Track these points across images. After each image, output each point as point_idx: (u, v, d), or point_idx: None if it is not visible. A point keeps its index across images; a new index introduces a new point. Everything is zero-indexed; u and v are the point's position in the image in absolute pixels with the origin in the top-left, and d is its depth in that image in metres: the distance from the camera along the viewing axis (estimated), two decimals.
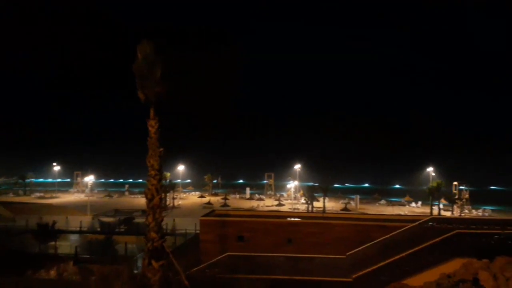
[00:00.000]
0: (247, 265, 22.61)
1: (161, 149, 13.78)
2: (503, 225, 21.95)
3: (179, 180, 76.68)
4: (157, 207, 14.17)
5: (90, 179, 73.21)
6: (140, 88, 13.31)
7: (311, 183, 71.48)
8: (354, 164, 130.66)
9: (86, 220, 45.36)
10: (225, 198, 63.86)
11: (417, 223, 22.71)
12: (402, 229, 22.54)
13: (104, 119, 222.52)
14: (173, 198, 64.03)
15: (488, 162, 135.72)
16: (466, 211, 59.35)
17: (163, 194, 15.13)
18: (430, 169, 67.07)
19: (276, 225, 32.00)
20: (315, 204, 58.88)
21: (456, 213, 57.03)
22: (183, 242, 33.34)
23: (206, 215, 33.75)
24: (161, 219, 14.48)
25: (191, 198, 74.27)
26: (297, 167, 70.28)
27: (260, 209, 57.19)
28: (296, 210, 56.37)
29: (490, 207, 63.75)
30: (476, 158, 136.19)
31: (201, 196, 72.82)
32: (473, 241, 18.57)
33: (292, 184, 66.52)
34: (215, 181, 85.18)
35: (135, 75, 13.49)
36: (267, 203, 64.06)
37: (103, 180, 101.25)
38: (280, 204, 62.41)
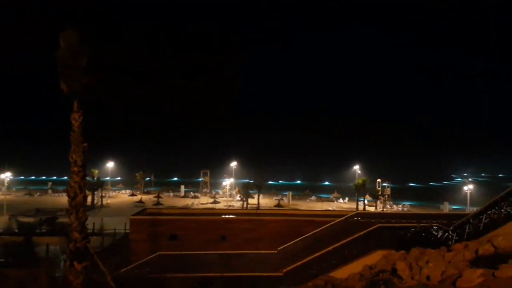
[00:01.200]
0: (178, 264, 22.27)
1: (85, 144, 12.95)
2: (419, 219, 23.90)
3: (108, 178, 73.19)
4: (80, 205, 13.32)
5: (6, 176, 67.00)
6: (63, 78, 12.39)
7: (246, 180, 72.17)
8: (288, 161, 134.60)
9: (1, 221, 41.58)
10: (158, 197, 62.20)
11: (343, 218, 23.92)
12: (330, 223, 23.56)
13: (24, 110, 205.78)
14: (102, 197, 60.99)
15: (408, 161, 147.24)
16: (388, 206, 63.72)
17: (88, 192, 14.29)
18: (356, 167, 70.98)
19: (209, 223, 31.90)
20: (250, 201, 59.60)
21: (379, 208, 61.03)
22: (111, 242, 31.84)
23: (137, 214, 32.65)
24: (84, 218, 13.62)
25: (122, 197, 71.32)
26: (233, 164, 70.54)
27: (195, 207, 56.59)
28: (231, 207, 56.55)
29: (408, 203, 69.08)
30: (397, 156, 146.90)
31: (132, 195, 70.21)
32: (393, 234, 19.96)
33: (227, 182, 66.60)
34: (148, 178, 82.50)
35: (57, 64, 12.56)
36: (202, 201, 63.54)
37: (22, 177, 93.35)
38: (215, 202, 62.23)
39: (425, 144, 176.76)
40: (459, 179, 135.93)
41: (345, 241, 20.57)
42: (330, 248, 20.43)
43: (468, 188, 55.86)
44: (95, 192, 59.22)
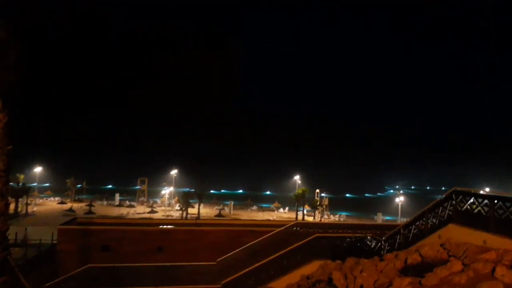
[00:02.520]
0: (110, 276, 21.05)
1: (10, 146, 11.90)
2: (354, 229, 24.81)
3: (35, 184, 67.98)
4: (1, 214, 12.16)
5: None
6: None
7: (186, 189, 70.79)
8: (229, 170, 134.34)
9: None
10: (90, 205, 58.73)
11: (283, 227, 24.15)
12: (270, 233, 23.67)
13: None
14: (27, 204, 56.35)
15: (345, 172, 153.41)
16: (326, 216, 65.73)
17: (11, 199, 13.10)
18: (297, 177, 72.55)
19: (145, 233, 30.68)
20: (190, 210, 58.38)
21: (318, 218, 62.73)
22: (36, 254, 29.38)
23: (66, 223, 30.59)
24: (5, 228, 12.47)
25: (50, 205, 66.41)
26: (174, 172, 68.85)
27: (130, 216, 54.20)
28: (169, 217, 54.96)
29: (345, 213, 71.85)
30: (335, 168, 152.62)
31: (62, 202, 65.67)
32: (329, 243, 20.46)
33: (167, 190, 64.75)
34: (79, 185, 77.77)
35: None
36: (139, 210, 61.12)
37: None
38: (152, 211, 60.14)
39: (361, 156, 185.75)
40: (392, 191, 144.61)
41: (283, 251, 20.72)
42: (269, 258, 20.47)
43: (400, 199, 59.31)
44: (20, 199, 54.62)
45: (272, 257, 20.68)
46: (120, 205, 65.57)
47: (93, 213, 53.87)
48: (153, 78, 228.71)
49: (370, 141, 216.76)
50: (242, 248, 23.65)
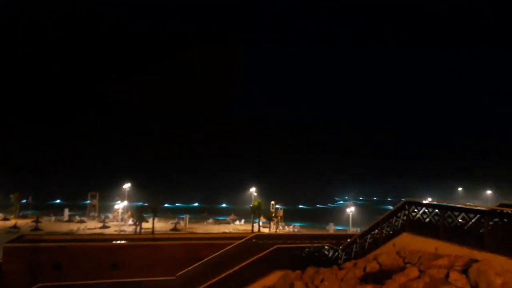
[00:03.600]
0: None
1: None
2: (311, 239, 25.49)
3: None
4: None
5: None
6: None
7: (140, 203, 68.82)
8: (184, 184, 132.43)
9: None
10: (37, 221, 55.41)
11: (243, 240, 24.28)
12: (230, 246, 23.71)
13: None
14: None
15: (297, 185, 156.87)
16: (281, 227, 66.56)
17: None
18: (253, 189, 73.02)
19: (99, 249, 29.59)
20: (144, 225, 56.79)
21: (273, 229, 63.36)
22: None
23: (12, 241, 28.82)
24: None
25: None
26: (126, 186, 66.74)
27: (81, 232, 51.79)
28: (122, 233, 53.09)
29: (299, 224, 73.15)
30: (288, 181, 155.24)
31: (4, 219, 61.44)
32: (289, 254, 20.86)
33: (120, 205, 62.58)
34: (24, 201, 73.12)
35: None
36: (90, 226, 58.52)
37: None
38: (104, 227, 57.89)
39: (312, 169, 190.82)
40: (341, 201, 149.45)
41: (244, 263, 20.84)
42: (230, 271, 20.51)
43: (350, 210, 61.45)
44: None
45: (233, 269, 20.73)
46: (69, 221, 62.46)
47: (40, 229, 50.88)
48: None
49: (321, 153, 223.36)
50: (202, 261, 23.47)
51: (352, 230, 57.83)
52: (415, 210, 15.39)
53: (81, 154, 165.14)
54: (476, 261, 11.36)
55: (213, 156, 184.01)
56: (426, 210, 14.84)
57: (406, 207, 15.84)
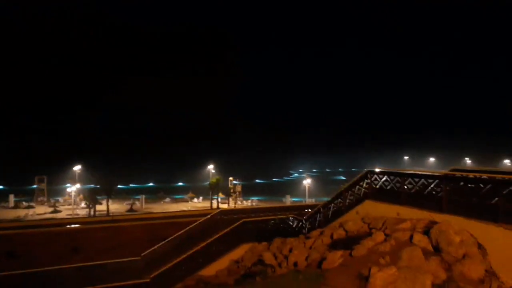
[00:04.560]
0: (24, 285, 19.21)
1: None
2: (275, 211, 26.08)
3: None
4: None
5: None
6: None
7: (92, 186, 66.39)
8: (137, 164, 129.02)
9: None
10: None
11: (208, 216, 24.33)
12: (195, 223, 23.71)
13: None
14: None
15: (252, 160, 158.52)
16: (239, 202, 67.37)
17: None
18: (210, 166, 72.84)
19: (56, 235, 28.51)
20: (98, 207, 55.09)
21: (232, 204, 64.00)
22: None
23: None
24: None
25: None
26: (77, 168, 63.92)
27: (30, 218, 49.19)
28: (76, 216, 51.16)
29: (256, 198, 74.38)
30: (242, 157, 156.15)
31: None
32: (256, 227, 21.30)
33: (73, 188, 59.98)
34: None
35: None
36: (39, 211, 55.66)
37: None
38: (55, 211, 55.40)
39: (266, 145, 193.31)
40: (296, 174, 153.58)
41: (211, 239, 21.02)
42: (198, 247, 20.61)
43: (307, 182, 63.29)
44: None
45: (200, 245, 20.85)
46: (16, 207, 58.99)
47: None
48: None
49: (273, 128, 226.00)
50: (167, 240, 23.32)
51: (308, 201, 59.78)
52: (377, 178, 16.18)
53: (23, 138, 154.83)
54: (436, 223, 12.24)
55: (165, 135, 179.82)
56: (388, 178, 15.64)
57: (368, 176, 16.60)
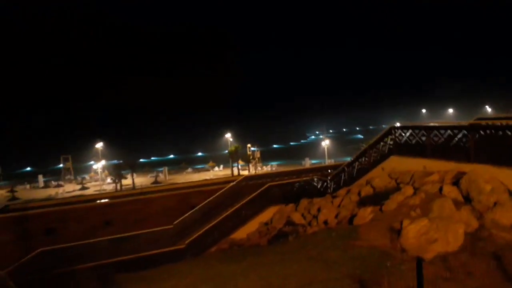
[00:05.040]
0: (65, 258, 20.31)
1: None
2: (298, 174, 26.42)
3: None
4: None
5: None
6: None
7: (115, 161, 68.03)
8: (156, 138, 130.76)
9: None
10: (12, 191, 54.08)
11: (234, 182, 24.86)
12: (222, 190, 24.29)
13: None
14: None
15: (269, 126, 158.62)
16: (259, 168, 68.15)
17: None
18: (228, 135, 73.37)
19: (89, 210, 29.55)
20: (124, 181, 56.65)
21: (252, 171, 64.85)
22: None
23: None
24: None
25: None
26: (99, 145, 65.35)
27: (60, 196, 51.12)
28: (103, 191, 52.88)
29: (275, 162, 75.14)
30: (258, 124, 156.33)
31: None
32: (282, 190, 21.74)
33: (99, 164, 61.67)
34: None
35: None
36: (68, 189, 57.68)
37: None
38: (83, 188, 57.25)
39: (280, 109, 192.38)
40: (313, 136, 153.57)
41: (240, 204, 21.58)
42: (228, 212, 21.23)
43: (325, 143, 63.31)
44: None
45: (229, 211, 21.46)
46: (46, 187, 61.27)
47: (17, 198, 49.79)
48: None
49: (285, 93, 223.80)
50: (196, 208, 24.01)
51: (328, 162, 60.02)
52: (402, 133, 16.17)
53: (46, 120, 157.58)
54: (464, 173, 12.32)
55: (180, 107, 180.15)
56: (413, 132, 15.62)
57: (393, 132, 16.60)
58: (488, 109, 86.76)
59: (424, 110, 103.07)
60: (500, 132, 12.41)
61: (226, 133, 74.21)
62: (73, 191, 56.47)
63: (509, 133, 12.07)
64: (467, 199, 11.50)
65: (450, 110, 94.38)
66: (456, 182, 12.10)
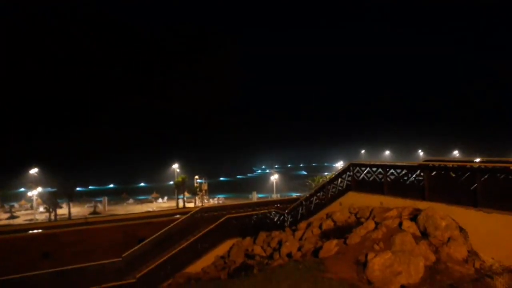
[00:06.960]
0: None
1: None
2: (253, 207, 26.50)
3: None
4: None
5: None
6: None
7: (49, 189, 63.51)
8: (95, 166, 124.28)
9: None
10: None
11: (189, 214, 24.35)
12: (176, 222, 23.66)
13: None
14: None
15: (214, 159, 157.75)
16: (205, 200, 67.16)
17: None
18: (175, 166, 71.93)
19: (24, 240, 27.24)
20: (59, 211, 52.88)
21: (198, 203, 63.68)
22: None
23: None
24: None
25: None
26: (33, 171, 60.86)
27: None
28: (33, 222, 48.79)
29: (222, 195, 74.51)
30: (205, 156, 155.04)
31: None
32: (239, 223, 21.65)
33: (34, 192, 57.06)
34: None
35: None
36: None
37: None
38: (12, 217, 52.52)
39: (226, 143, 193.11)
40: (259, 171, 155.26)
41: (196, 236, 21.12)
42: (183, 245, 20.63)
43: (274, 177, 64.25)
44: None
45: (185, 243, 20.88)
46: None
47: None
48: None
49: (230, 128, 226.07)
50: (147, 240, 23.11)
51: (275, 196, 60.77)
52: (360, 170, 17.06)
53: None
54: (419, 210, 13.24)
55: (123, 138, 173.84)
56: (370, 170, 16.55)
57: (351, 168, 17.45)
58: (421, 153, 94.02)
59: (363, 151, 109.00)
60: (451, 173, 13.58)
61: (173, 163, 72.82)
62: (0, 220, 51.57)
63: (461, 173, 13.14)
64: (424, 234, 12.30)
65: (387, 152, 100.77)
66: (413, 218, 12.93)
